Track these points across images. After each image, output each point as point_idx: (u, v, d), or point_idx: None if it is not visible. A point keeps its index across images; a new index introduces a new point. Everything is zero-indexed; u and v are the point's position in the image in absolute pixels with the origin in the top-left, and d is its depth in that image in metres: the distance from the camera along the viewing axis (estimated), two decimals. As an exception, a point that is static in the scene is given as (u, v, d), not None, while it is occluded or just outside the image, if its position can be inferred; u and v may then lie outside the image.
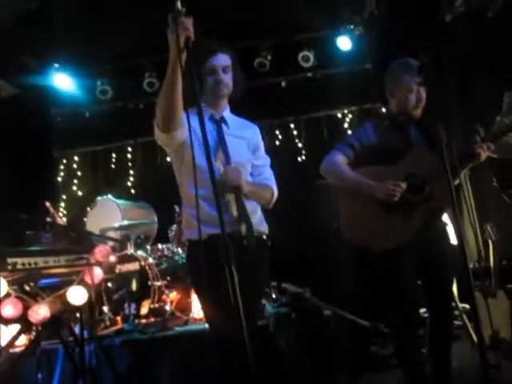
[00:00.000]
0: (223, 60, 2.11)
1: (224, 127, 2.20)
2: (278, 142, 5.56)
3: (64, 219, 5.46)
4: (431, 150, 2.49)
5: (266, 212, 2.35)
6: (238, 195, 2.10)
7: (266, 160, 2.39)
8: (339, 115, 5.70)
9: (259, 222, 2.26)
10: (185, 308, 4.17)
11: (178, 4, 1.68)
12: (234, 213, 2.08)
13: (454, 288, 3.93)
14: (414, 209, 2.45)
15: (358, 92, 5.44)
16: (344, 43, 5.47)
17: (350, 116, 5.66)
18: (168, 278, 4.41)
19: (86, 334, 3.10)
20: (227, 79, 2.12)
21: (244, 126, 2.34)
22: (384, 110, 2.81)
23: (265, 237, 2.29)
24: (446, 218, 2.76)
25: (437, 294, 2.57)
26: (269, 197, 2.30)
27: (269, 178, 2.35)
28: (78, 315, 2.95)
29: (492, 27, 4.15)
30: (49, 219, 3.78)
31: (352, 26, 5.46)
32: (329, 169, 2.61)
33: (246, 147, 2.26)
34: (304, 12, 4.96)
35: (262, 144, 2.37)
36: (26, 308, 2.48)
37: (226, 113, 2.26)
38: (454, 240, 3.50)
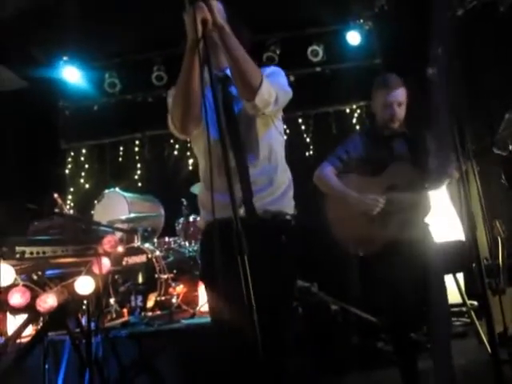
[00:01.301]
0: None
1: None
2: (286, 137, 5.53)
3: (71, 211, 5.48)
4: (413, 163, 2.68)
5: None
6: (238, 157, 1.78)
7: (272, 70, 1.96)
8: (348, 110, 5.67)
9: (277, 200, 1.88)
10: (191, 301, 4.19)
11: None
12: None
13: (462, 285, 3.93)
14: (391, 218, 2.64)
15: (367, 87, 5.37)
16: (353, 38, 5.44)
17: (358, 111, 5.62)
18: (175, 271, 4.42)
19: (92, 325, 3.11)
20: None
21: None
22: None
23: (288, 217, 1.92)
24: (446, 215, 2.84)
25: (425, 290, 2.60)
26: (256, 79, 1.73)
27: (270, 77, 1.85)
28: (84, 306, 2.96)
29: (504, 22, 4.12)
30: (57, 210, 3.79)
31: (362, 21, 5.42)
32: (319, 179, 2.85)
33: None
34: (313, 6, 4.93)
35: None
36: (33, 297, 2.48)
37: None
38: (461, 236, 3.50)
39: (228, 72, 1.88)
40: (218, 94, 1.64)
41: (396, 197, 2.65)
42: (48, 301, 2.44)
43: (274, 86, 1.80)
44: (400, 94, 2.70)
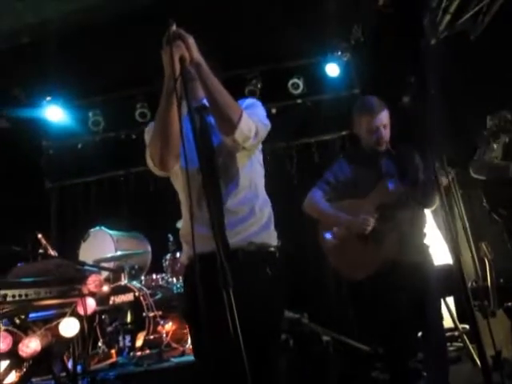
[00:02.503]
0: None
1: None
2: (269, 168, 5.56)
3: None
4: (400, 180, 2.68)
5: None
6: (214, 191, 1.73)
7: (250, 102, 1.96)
8: (330, 140, 5.74)
9: (261, 230, 1.84)
10: (181, 338, 4.10)
11: (173, 26, 1.67)
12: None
13: (453, 308, 3.91)
14: (385, 236, 2.63)
15: (347, 117, 5.48)
16: (332, 70, 5.57)
17: (340, 141, 5.70)
18: (163, 309, 4.35)
19: (79, 368, 3.02)
20: None
21: None
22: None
23: (272, 249, 1.87)
24: (431, 239, 2.84)
25: (422, 314, 2.60)
26: (235, 114, 1.72)
27: (249, 109, 1.85)
28: (70, 348, 2.88)
29: (474, 50, 4.27)
30: (41, 251, 3.73)
31: (340, 53, 5.56)
32: (309, 205, 2.87)
33: None
34: (292, 40, 5.06)
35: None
36: (16, 342, 2.41)
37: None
38: (449, 260, 3.50)
39: (205, 102, 1.87)
40: (197, 126, 1.65)
41: (388, 214, 2.63)
42: (31, 345, 2.38)
43: (253, 119, 1.80)
44: (384, 117, 2.70)
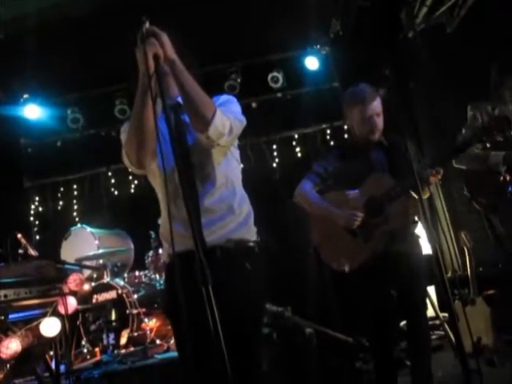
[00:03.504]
0: None
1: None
2: (250, 163, 5.58)
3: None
4: (391, 172, 2.65)
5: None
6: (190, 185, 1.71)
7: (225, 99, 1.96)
8: (311, 133, 5.77)
9: (239, 227, 1.85)
10: (165, 335, 4.10)
11: (147, 24, 1.66)
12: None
13: (434, 298, 3.97)
14: (374, 231, 2.61)
15: (328, 110, 5.53)
16: (312, 63, 5.58)
17: (321, 134, 5.73)
18: (147, 305, 4.34)
19: (62, 368, 3.00)
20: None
21: None
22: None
23: (251, 244, 1.87)
24: (419, 229, 2.81)
25: (408, 303, 2.62)
26: (209, 111, 1.72)
27: (223, 105, 1.85)
28: (53, 348, 2.86)
29: (451, 42, 4.32)
30: (21, 251, 3.68)
31: (319, 46, 5.58)
32: (299, 197, 2.81)
33: None
34: (271, 34, 5.06)
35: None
36: (-4, 344, 2.38)
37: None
38: (429, 250, 3.53)
39: (179, 99, 1.87)
40: (172, 124, 1.60)
41: (377, 207, 2.60)
42: (11, 346, 2.35)
43: (227, 116, 1.79)
44: (377, 105, 2.63)
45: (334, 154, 2.82)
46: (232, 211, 1.85)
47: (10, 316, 2.54)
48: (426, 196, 2.63)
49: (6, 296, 2.42)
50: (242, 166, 2.07)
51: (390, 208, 2.59)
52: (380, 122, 2.66)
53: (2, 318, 2.47)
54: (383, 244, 2.59)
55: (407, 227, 2.68)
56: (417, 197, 1.88)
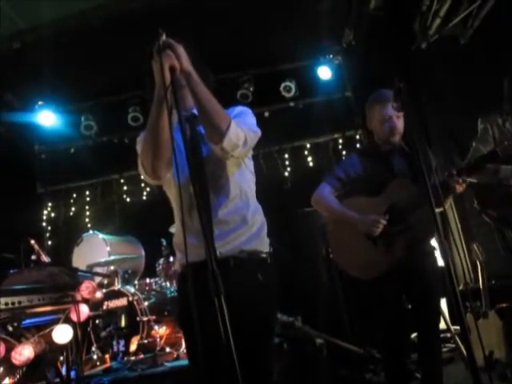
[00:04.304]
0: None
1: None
2: (263, 172, 5.59)
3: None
4: (413, 179, 2.58)
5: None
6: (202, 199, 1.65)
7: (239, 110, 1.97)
8: (322, 143, 5.77)
9: (252, 238, 1.85)
10: (175, 343, 4.10)
11: (163, 36, 1.69)
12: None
13: (445, 311, 3.94)
14: (395, 239, 2.54)
15: (340, 119, 5.54)
16: (324, 72, 5.60)
17: (333, 143, 5.73)
18: (157, 313, 4.34)
19: (72, 374, 3.01)
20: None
21: None
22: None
23: (263, 255, 1.88)
24: (434, 241, 2.78)
25: (421, 317, 2.58)
26: (224, 122, 1.72)
27: (238, 117, 1.86)
28: (64, 355, 2.88)
29: (464, 53, 4.31)
30: (34, 257, 3.71)
31: (331, 56, 5.60)
32: (318, 201, 2.73)
33: None
34: (284, 43, 5.08)
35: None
36: (8, 350, 2.40)
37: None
38: (441, 262, 3.50)
39: (195, 111, 1.87)
40: (187, 135, 1.60)
41: (399, 215, 2.53)
42: (24, 353, 2.37)
43: (242, 127, 1.79)
44: (398, 107, 2.51)
45: (356, 159, 2.75)
46: (245, 222, 1.85)
47: (23, 322, 2.57)
48: (447, 205, 2.61)
49: (19, 302, 2.45)
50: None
51: (414, 216, 2.51)
52: (400, 124, 2.62)
53: (16, 324, 2.49)
54: (404, 253, 2.52)
55: (429, 238, 2.61)
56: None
